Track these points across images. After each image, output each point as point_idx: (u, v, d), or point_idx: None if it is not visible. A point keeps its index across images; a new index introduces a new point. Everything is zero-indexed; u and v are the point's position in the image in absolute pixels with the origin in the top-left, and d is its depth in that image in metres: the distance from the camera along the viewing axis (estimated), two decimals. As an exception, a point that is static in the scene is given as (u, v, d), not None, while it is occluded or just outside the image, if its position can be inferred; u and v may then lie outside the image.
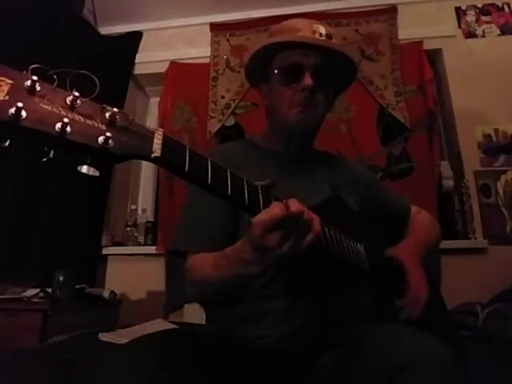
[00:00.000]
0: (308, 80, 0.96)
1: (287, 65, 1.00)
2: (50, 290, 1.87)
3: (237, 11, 2.73)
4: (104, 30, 2.85)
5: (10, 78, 0.43)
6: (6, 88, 0.42)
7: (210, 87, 2.61)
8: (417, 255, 1.03)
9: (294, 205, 0.64)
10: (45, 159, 0.45)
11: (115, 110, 0.50)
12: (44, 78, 0.45)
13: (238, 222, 0.96)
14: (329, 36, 1.01)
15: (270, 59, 1.05)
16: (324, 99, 1.02)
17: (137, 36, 2.85)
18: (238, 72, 2.59)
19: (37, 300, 1.80)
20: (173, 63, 2.71)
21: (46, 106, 0.44)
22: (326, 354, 0.85)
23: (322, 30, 1.01)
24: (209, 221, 0.96)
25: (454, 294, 1.56)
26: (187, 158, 0.56)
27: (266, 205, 0.65)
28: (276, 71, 1.03)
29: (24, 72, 0.45)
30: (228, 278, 0.79)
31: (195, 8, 2.72)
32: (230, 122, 2.53)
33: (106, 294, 2.09)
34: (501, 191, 2.18)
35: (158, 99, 2.78)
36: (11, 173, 2.16)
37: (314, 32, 1.00)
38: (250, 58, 1.08)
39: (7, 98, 0.42)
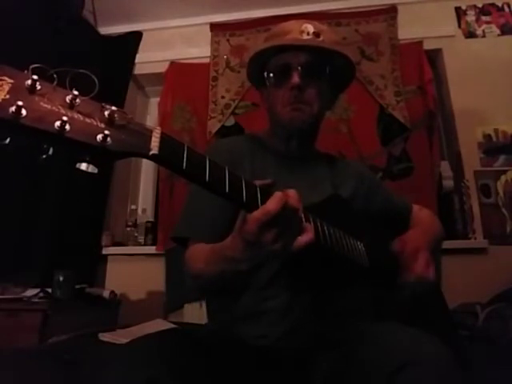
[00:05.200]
0: (295, 79, 1.00)
1: (277, 67, 1.05)
2: (50, 290, 1.87)
3: (237, 11, 2.73)
4: (104, 30, 2.85)
5: (10, 78, 0.44)
6: (6, 87, 0.42)
7: (210, 87, 2.62)
8: (424, 241, 1.02)
9: (291, 198, 0.64)
10: (44, 156, 0.46)
11: (114, 108, 0.51)
12: (44, 78, 0.46)
13: (238, 213, 0.97)
14: (316, 34, 1.03)
15: (264, 65, 1.09)
16: (317, 96, 1.03)
17: (137, 36, 2.85)
18: (238, 72, 2.59)
19: (37, 300, 1.80)
20: (173, 63, 2.72)
21: (45, 105, 0.45)
22: (325, 353, 0.85)
23: (310, 28, 1.04)
24: (210, 210, 0.96)
25: (454, 294, 1.56)
26: (185, 155, 0.56)
27: (265, 203, 0.65)
28: (269, 75, 1.07)
29: (25, 71, 0.45)
30: (218, 273, 0.80)
31: (195, 8, 2.72)
32: (230, 121, 2.53)
33: (105, 294, 2.09)
34: (501, 191, 2.18)
35: (158, 99, 2.78)
36: (11, 173, 2.16)
37: (302, 32, 1.04)
38: (247, 66, 1.14)
39: (8, 96, 0.42)
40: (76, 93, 0.47)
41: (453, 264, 2.02)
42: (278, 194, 0.63)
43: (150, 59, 2.80)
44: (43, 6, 2.41)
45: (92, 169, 0.49)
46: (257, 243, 0.65)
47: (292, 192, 0.65)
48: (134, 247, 2.48)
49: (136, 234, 2.55)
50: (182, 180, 2.37)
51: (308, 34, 1.03)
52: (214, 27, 2.76)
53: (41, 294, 1.85)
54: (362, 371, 0.68)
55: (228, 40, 2.71)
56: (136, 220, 2.62)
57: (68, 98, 0.47)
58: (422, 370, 0.62)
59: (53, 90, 0.46)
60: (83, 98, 0.48)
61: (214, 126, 2.52)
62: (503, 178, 2.20)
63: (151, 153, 0.53)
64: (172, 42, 2.83)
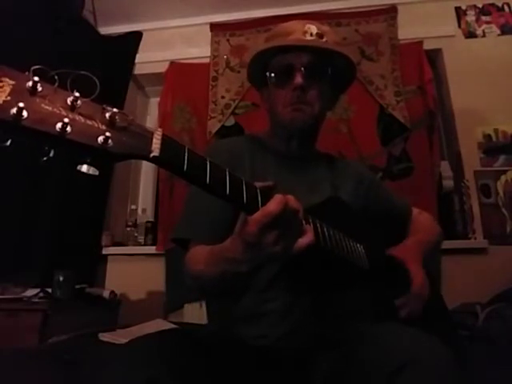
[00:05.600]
0: (298, 79, 1.00)
1: (279, 67, 1.05)
2: (50, 290, 1.87)
3: (237, 11, 2.73)
4: (104, 30, 2.85)
5: (11, 79, 0.44)
6: (7, 89, 0.42)
7: (210, 87, 2.61)
8: (418, 254, 1.04)
9: (291, 201, 0.64)
10: (45, 158, 0.46)
11: (115, 110, 0.51)
12: (45, 79, 0.46)
13: (238, 214, 0.97)
14: (319, 35, 1.04)
15: (266, 65, 1.09)
16: (318, 96, 1.04)
17: (137, 36, 2.85)
18: (238, 72, 2.58)
19: (37, 300, 1.80)
20: (173, 63, 2.71)
21: (46, 107, 0.45)
22: (325, 353, 0.85)
23: (313, 29, 1.04)
24: (210, 212, 0.96)
25: (454, 294, 1.56)
26: (186, 157, 0.56)
27: (265, 205, 0.65)
28: (271, 75, 1.07)
29: (26, 73, 0.45)
30: (219, 274, 0.79)
31: (195, 8, 2.72)
32: (230, 122, 2.53)
33: (105, 294, 2.09)
34: (501, 191, 2.18)
35: (158, 99, 2.78)
36: (12, 173, 2.15)
37: (305, 33, 1.04)
38: (248, 66, 1.13)
39: (9, 98, 0.42)
40: (77, 94, 0.47)
41: (453, 264, 2.03)
42: (278, 196, 0.63)
43: (150, 59, 2.79)
44: (43, 5, 2.41)
45: (93, 171, 0.49)
46: (257, 245, 0.65)
47: (291, 196, 0.65)
48: (134, 247, 2.48)
49: (136, 234, 2.54)
50: (182, 180, 2.36)
51: (311, 34, 1.03)
52: (214, 27, 2.76)
53: (41, 294, 1.85)
54: (361, 371, 0.68)
55: (228, 40, 2.71)
56: (136, 220, 2.62)
57: (69, 100, 0.47)
58: (422, 370, 0.62)
59: (54, 91, 0.46)
60: (84, 99, 0.48)
61: (214, 125, 2.52)
62: (503, 177, 2.20)
63: (152, 155, 0.53)
64: (172, 42, 2.83)
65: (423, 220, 1.24)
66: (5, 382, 1.11)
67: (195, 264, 0.89)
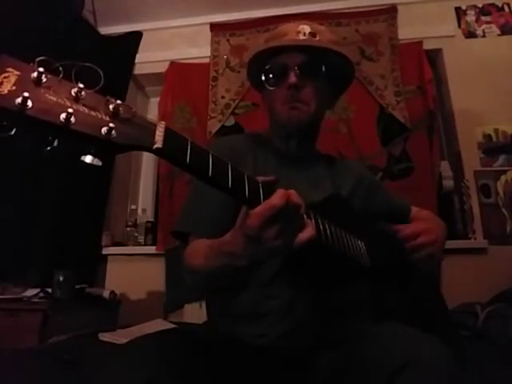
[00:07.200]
0: (292, 78, 1.01)
1: (274, 68, 1.07)
2: (50, 290, 1.87)
3: (237, 11, 2.73)
4: (104, 30, 2.85)
5: (17, 70, 0.44)
6: (13, 79, 0.43)
7: (210, 87, 2.62)
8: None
9: (294, 195, 0.64)
10: (49, 148, 0.46)
11: (119, 102, 0.51)
12: (50, 70, 0.46)
13: (239, 210, 0.97)
14: (312, 34, 1.06)
15: (263, 67, 1.10)
16: (314, 94, 1.04)
17: (137, 36, 2.86)
18: (238, 72, 2.59)
19: (37, 300, 1.80)
20: (173, 63, 2.72)
21: (51, 97, 0.45)
22: (325, 352, 0.85)
23: (307, 29, 1.06)
24: (211, 207, 0.96)
25: (453, 294, 1.56)
26: (188, 150, 0.56)
27: (267, 199, 0.65)
28: (268, 76, 1.09)
29: (31, 64, 0.46)
30: (218, 268, 0.79)
31: (195, 8, 2.73)
32: (230, 122, 2.54)
33: (105, 294, 2.09)
34: (501, 191, 2.19)
35: (158, 99, 2.79)
36: (12, 172, 2.15)
37: (298, 33, 1.06)
38: (247, 68, 1.16)
39: (14, 88, 0.42)
40: (81, 86, 0.48)
41: (453, 264, 2.02)
42: (281, 190, 0.63)
43: (149, 59, 2.80)
44: (43, 5, 2.41)
45: (97, 162, 0.49)
46: (257, 239, 0.64)
47: (293, 191, 0.65)
48: (134, 247, 2.48)
49: (136, 234, 2.54)
50: (182, 180, 2.38)
51: (304, 34, 1.05)
52: (214, 27, 2.77)
53: (41, 294, 1.85)
54: (362, 368, 0.69)
55: (228, 40, 2.71)
56: (136, 220, 2.61)
57: (73, 91, 0.47)
58: (422, 370, 0.62)
59: (58, 82, 0.46)
60: (88, 91, 0.48)
61: (214, 125, 2.52)
62: (503, 178, 2.20)
63: (155, 146, 0.53)
64: (172, 42, 2.83)
65: (425, 213, 1.24)
66: (5, 382, 1.11)
67: (194, 258, 0.88)
